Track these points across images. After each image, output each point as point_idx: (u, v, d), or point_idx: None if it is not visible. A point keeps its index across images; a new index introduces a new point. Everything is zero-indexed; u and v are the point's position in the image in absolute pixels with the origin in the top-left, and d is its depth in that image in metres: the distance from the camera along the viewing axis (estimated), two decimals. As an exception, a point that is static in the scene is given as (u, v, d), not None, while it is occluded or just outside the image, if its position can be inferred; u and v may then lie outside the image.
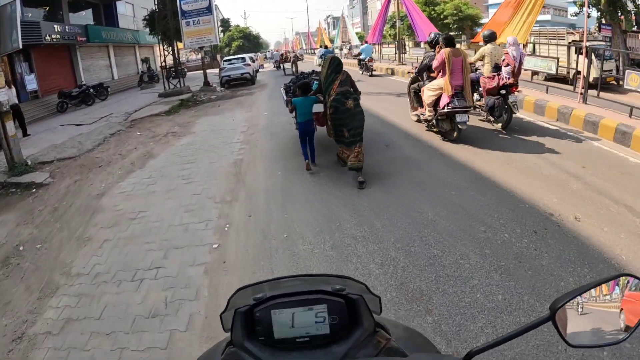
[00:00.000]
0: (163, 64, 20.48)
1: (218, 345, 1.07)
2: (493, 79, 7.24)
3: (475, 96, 7.66)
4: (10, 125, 8.07)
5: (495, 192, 4.85)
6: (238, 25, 63.64)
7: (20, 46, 8.36)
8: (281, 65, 28.93)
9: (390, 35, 32.54)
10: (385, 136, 7.70)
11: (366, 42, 21.80)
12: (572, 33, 16.53)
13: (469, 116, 6.75)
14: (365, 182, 5.36)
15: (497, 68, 7.41)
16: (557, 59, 10.97)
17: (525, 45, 14.17)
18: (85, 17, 25.22)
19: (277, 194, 5.57)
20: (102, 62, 25.58)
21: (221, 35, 53.35)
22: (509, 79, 7.12)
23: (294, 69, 23.88)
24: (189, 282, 3.75)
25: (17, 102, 11.54)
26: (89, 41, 22.13)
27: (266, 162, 7.11)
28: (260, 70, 31.26)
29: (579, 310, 0.88)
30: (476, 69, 8.27)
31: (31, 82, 18.39)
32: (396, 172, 5.80)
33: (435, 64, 6.71)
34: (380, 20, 22.66)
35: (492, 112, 7.37)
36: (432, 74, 7.16)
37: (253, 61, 25.07)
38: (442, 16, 35.10)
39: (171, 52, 20.78)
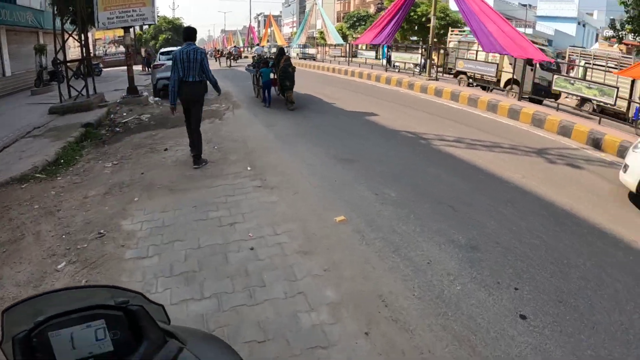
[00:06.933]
0: (58, 57, 11.84)
1: None
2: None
3: None
4: None
5: None
6: (166, 17, 54.50)
7: None
8: (218, 59, 33.37)
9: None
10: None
11: (257, 45, 28.55)
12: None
13: None
14: (295, 108, 10.03)
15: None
16: (617, 88, 9.34)
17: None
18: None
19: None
20: (-14, 52, 17.02)
21: (146, 26, 44.16)
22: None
23: (228, 64, 29.67)
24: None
25: None
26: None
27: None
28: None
29: None
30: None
31: None
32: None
33: None
34: (393, 13, 15.81)
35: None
36: None
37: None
38: (424, 19, 29.75)
39: (79, 38, 12.16)
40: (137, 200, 4.73)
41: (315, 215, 4.23)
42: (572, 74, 15.81)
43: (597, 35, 40.53)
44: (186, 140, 7.53)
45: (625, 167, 4.87)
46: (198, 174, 5.61)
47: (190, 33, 5.88)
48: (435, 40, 30.46)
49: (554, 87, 10.88)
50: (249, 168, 5.72)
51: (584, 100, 12.24)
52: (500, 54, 12.35)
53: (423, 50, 16.75)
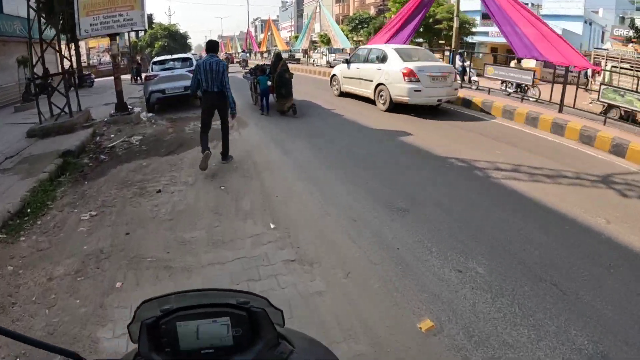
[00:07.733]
0: (36, 71, 10.44)
1: (127, 355, 0.99)
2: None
3: None
4: None
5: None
6: (161, 23, 53.32)
7: None
8: None
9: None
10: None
11: (243, 51, 32.19)
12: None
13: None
14: (297, 113, 10.18)
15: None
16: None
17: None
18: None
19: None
20: (-30, 64, 15.86)
21: (141, 33, 42.75)
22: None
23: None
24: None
25: None
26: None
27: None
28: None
29: None
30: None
31: None
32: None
33: None
34: (407, 15, 14.45)
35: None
36: None
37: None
38: (431, 20, 28.47)
39: (67, 48, 10.79)
40: (119, 286, 3.37)
41: (388, 320, 2.85)
42: (598, 80, 14.61)
43: (603, 33, 39.39)
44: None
45: None
46: (203, 237, 4.20)
47: (213, 46, 6.34)
48: (443, 42, 29.37)
49: (600, 99, 9.62)
50: (272, 226, 4.31)
51: (610, 106, 10.37)
52: (537, 60, 11.07)
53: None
